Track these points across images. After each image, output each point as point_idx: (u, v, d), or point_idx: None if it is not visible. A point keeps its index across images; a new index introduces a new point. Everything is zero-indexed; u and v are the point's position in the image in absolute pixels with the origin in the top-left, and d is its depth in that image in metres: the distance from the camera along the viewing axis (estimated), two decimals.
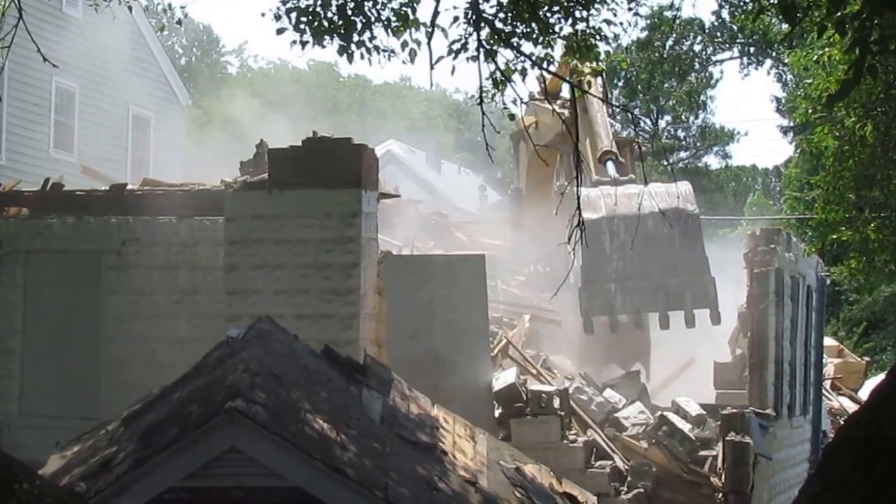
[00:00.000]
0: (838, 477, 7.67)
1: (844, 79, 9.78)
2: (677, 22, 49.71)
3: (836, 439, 8.10)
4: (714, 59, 60.31)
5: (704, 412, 19.52)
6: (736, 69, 70.32)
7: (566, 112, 21.19)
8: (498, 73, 13.72)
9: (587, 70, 23.02)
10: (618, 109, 24.46)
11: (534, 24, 13.83)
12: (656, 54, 56.87)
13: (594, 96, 19.09)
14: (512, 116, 14.63)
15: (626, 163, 25.28)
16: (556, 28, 14.04)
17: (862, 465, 7.46)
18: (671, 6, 50.43)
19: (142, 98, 37.30)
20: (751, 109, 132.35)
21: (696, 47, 59.28)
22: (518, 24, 13.79)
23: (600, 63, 15.64)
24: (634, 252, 20.22)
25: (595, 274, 20.99)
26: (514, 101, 14.19)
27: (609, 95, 32.86)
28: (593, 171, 24.05)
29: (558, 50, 14.12)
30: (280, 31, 13.69)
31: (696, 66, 60.09)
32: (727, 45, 57.98)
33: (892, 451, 7.41)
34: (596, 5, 14.28)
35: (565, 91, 24.74)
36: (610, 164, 23.82)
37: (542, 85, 16.53)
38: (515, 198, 32.04)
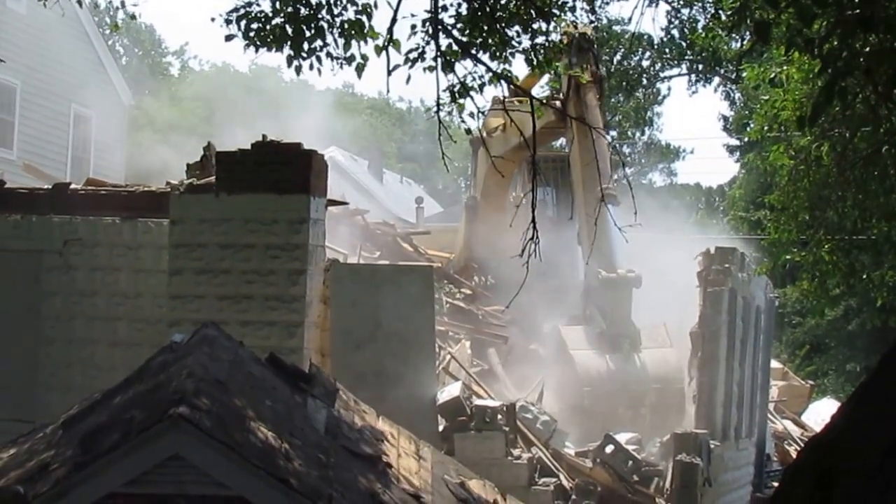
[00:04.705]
0: (797, 499, 7.68)
1: (816, 101, 9.70)
2: (626, 36, 49.82)
3: (797, 461, 8.09)
4: (662, 75, 60.34)
5: (637, 434, 19.50)
6: (683, 86, 70.48)
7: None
8: (457, 86, 13.54)
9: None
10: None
11: (490, 39, 13.72)
12: (603, 69, 56.81)
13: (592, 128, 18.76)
14: (469, 131, 14.35)
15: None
16: (515, 42, 13.95)
17: (822, 487, 7.48)
18: (620, 21, 50.51)
19: (84, 96, 36.88)
20: (697, 127, 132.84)
21: (645, 63, 59.30)
22: (476, 35, 13.66)
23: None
24: None
25: None
26: (472, 115, 13.97)
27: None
28: (583, 208, 23.52)
29: (517, 64, 13.98)
30: (229, 38, 13.51)
31: (644, 81, 60.06)
32: (675, 62, 58.06)
33: (851, 475, 7.43)
34: (555, 20, 14.21)
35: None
36: (611, 209, 23.19)
37: (511, 85, 16.15)
38: (471, 207, 31.38)
